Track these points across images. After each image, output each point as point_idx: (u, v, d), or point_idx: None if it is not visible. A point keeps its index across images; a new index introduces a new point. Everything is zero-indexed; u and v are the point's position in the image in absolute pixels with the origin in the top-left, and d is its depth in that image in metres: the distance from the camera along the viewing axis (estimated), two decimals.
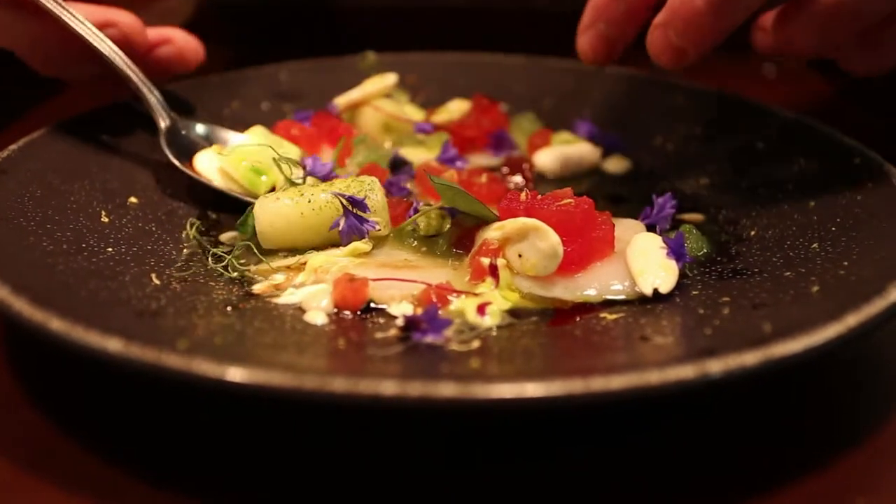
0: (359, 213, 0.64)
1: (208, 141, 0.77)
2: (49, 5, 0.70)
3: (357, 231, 0.64)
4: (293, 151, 0.76)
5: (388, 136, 0.82)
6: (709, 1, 0.62)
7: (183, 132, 0.76)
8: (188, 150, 0.75)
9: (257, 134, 0.77)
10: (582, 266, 0.60)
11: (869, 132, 0.77)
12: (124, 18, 0.74)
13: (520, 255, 0.60)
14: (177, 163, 0.73)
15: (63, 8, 0.71)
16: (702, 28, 0.64)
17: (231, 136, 0.79)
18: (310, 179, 0.69)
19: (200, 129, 0.78)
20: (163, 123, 0.75)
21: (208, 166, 0.74)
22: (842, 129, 0.75)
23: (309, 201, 0.65)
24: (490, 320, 0.56)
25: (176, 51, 0.78)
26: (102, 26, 0.73)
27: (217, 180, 0.73)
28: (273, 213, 0.65)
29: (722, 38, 0.64)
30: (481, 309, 0.57)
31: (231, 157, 0.73)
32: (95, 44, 0.72)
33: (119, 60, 0.73)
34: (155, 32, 0.77)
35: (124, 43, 0.73)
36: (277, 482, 0.48)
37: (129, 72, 0.74)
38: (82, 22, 0.71)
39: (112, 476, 0.49)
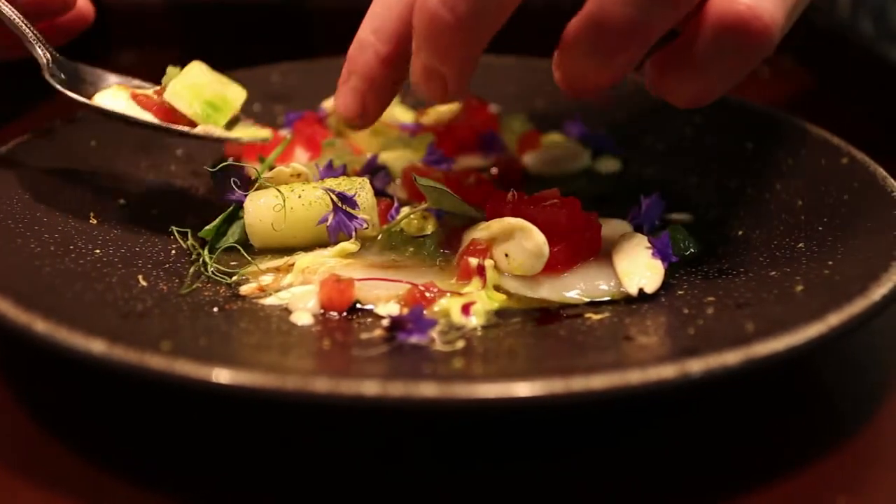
0: (348, 209, 0.65)
1: (94, 79, 0.72)
2: None
3: (345, 228, 0.65)
4: (238, 90, 0.75)
5: (376, 139, 0.82)
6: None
7: (70, 71, 0.71)
8: (81, 89, 0.70)
9: (198, 69, 0.73)
10: (568, 266, 0.61)
11: (857, 132, 0.77)
12: None
13: (506, 255, 0.60)
14: (73, 94, 0.68)
15: None
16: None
17: (125, 78, 0.73)
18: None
19: (87, 69, 0.72)
20: (44, 58, 0.69)
21: (113, 104, 0.69)
22: (831, 129, 0.75)
23: (299, 196, 0.65)
24: (475, 320, 0.57)
25: None
26: None
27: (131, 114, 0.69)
28: (262, 208, 0.65)
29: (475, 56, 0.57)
30: (466, 309, 0.57)
31: (180, 94, 0.70)
32: None
33: None
34: None
35: None
36: (268, 482, 0.49)
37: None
38: None
39: (99, 478, 0.49)
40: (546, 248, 0.59)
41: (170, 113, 0.69)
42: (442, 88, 0.60)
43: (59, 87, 0.68)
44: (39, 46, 0.70)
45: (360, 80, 0.65)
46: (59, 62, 0.70)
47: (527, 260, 0.60)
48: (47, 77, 0.68)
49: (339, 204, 0.64)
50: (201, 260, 0.63)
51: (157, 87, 0.71)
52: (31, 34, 0.69)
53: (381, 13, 0.63)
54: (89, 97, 0.70)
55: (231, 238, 0.66)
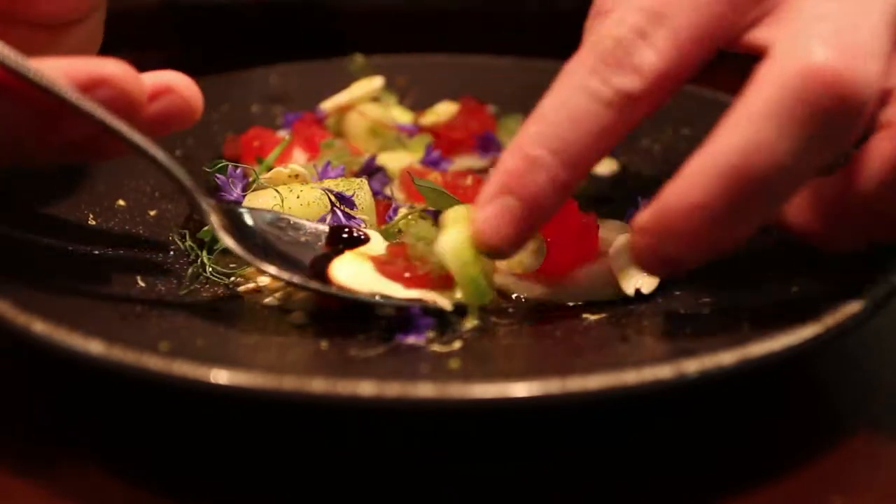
0: (346, 210, 0.64)
1: (276, 227, 0.59)
2: (16, 65, 0.48)
3: None
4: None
5: (374, 140, 0.82)
6: (710, 208, 0.45)
7: (245, 221, 0.58)
8: (261, 245, 0.58)
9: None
10: (564, 268, 0.61)
11: None
12: (113, 69, 0.50)
13: None
14: (314, 286, 0.55)
15: (28, 67, 0.49)
16: (703, 239, 0.47)
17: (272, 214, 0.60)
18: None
19: (254, 216, 0.59)
20: (214, 217, 0.56)
21: (355, 275, 0.56)
22: None
23: (297, 197, 0.65)
24: (471, 320, 0.57)
25: (180, 101, 0.54)
26: (90, 87, 0.50)
27: (372, 287, 0.56)
28: (261, 208, 0.65)
29: (735, 245, 0.48)
30: (461, 309, 0.57)
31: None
32: (97, 115, 0.50)
33: (140, 139, 0.52)
34: (150, 80, 0.53)
35: (120, 104, 0.51)
36: (267, 482, 0.49)
37: (157, 153, 0.54)
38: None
39: (98, 478, 0.49)
40: (543, 245, 0.59)
41: (422, 280, 0.56)
42: (673, 270, 0.51)
43: (266, 268, 0.55)
44: (199, 195, 0.56)
45: (524, 205, 0.51)
46: (231, 212, 0.57)
47: (525, 257, 0.60)
48: (229, 242, 0.55)
49: (338, 204, 0.64)
50: (199, 261, 0.64)
51: (392, 241, 0.60)
52: (191, 185, 0.55)
53: (563, 126, 0.50)
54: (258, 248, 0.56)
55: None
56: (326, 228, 0.60)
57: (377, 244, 0.60)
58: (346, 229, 0.60)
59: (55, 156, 0.56)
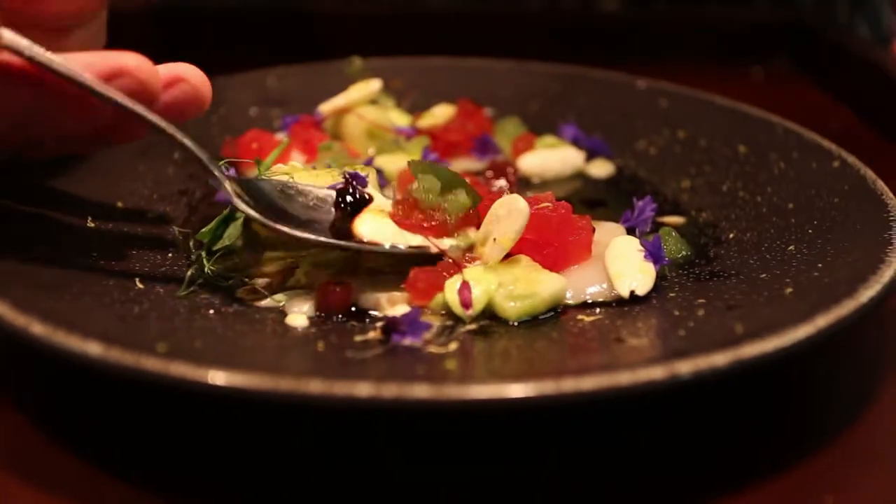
0: (358, 186, 0.64)
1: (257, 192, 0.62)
2: (44, 59, 0.54)
3: None
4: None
5: (372, 143, 0.82)
6: None
7: (258, 189, 0.62)
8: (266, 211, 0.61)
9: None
10: (558, 269, 0.61)
11: (849, 135, 0.78)
12: (132, 61, 0.56)
13: (495, 240, 0.60)
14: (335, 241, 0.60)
15: (56, 62, 0.54)
16: None
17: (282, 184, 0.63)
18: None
19: (265, 185, 0.63)
20: (229, 185, 0.60)
21: (377, 230, 0.62)
22: (823, 132, 0.76)
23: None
24: (476, 306, 0.57)
25: (191, 91, 0.59)
26: (112, 77, 0.56)
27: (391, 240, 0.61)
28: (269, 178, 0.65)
29: None
30: (466, 297, 0.57)
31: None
32: (119, 100, 0.56)
33: (156, 118, 0.58)
34: (164, 70, 0.59)
35: (139, 91, 0.56)
36: (265, 483, 0.49)
37: (176, 134, 0.59)
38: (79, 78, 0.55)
39: (96, 478, 0.49)
40: (520, 201, 0.60)
41: (439, 228, 0.63)
42: None
43: (292, 231, 0.60)
44: (214, 166, 0.61)
45: None
46: (245, 185, 0.61)
47: (506, 218, 0.60)
48: (246, 209, 0.59)
49: (350, 180, 0.64)
50: (198, 263, 0.64)
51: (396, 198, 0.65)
52: (202, 155, 0.61)
53: None
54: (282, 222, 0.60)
55: (227, 240, 0.66)
56: (332, 193, 0.63)
57: (382, 202, 0.64)
58: (350, 191, 0.63)
59: (88, 139, 0.61)
